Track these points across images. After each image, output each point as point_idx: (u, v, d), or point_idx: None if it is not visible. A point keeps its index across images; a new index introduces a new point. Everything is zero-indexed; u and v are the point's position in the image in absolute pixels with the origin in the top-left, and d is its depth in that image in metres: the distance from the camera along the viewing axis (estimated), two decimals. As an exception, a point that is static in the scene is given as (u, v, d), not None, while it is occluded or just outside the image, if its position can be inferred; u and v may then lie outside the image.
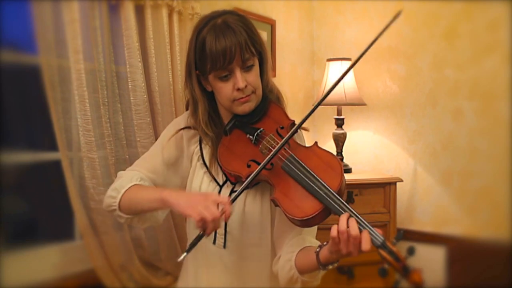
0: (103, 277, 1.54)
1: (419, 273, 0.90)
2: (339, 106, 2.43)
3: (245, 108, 1.15)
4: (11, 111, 1.43)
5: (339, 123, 2.44)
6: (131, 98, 1.58)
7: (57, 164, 1.43)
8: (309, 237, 1.18)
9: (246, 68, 1.12)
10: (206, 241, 1.19)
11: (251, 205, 1.17)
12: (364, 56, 1.06)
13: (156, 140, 1.62)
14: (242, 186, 1.05)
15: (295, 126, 1.10)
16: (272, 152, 1.07)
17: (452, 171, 2.42)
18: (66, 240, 1.61)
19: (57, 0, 1.38)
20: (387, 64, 2.57)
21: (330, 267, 1.04)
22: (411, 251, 0.93)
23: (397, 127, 2.58)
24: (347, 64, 2.40)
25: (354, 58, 2.55)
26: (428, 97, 2.48)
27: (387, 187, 2.29)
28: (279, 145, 1.07)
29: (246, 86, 1.11)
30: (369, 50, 1.07)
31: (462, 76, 2.37)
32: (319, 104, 1.12)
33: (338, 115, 2.44)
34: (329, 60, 2.45)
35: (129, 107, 1.59)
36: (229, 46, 1.07)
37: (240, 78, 1.10)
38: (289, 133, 1.09)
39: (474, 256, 2.13)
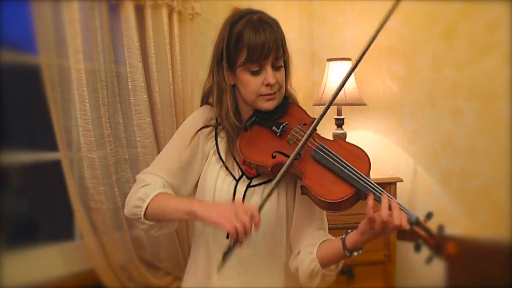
0: (103, 277, 1.54)
1: (453, 244, 0.93)
2: (339, 106, 2.43)
3: (270, 105, 1.17)
4: (11, 111, 1.44)
5: (339, 123, 2.44)
6: (131, 98, 1.58)
7: (57, 164, 1.44)
8: (326, 232, 1.20)
9: (276, 68, 1.16)
10: (220, 237, 1.18)
11: (268, 201, 1.15)
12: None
13: (156, 140, 1.64)
14: (274, 181, 1.07)
15: (320, 115, 1.12)
16: (305, 136, 1.09)
17: (451, 171, 2.41)
18: (66, 240, 1.61)
19: (57, 0, 1.38)
20: (387, 64, 2.57)
21: (355, 253, 1.06)
22: (441, 229, 0.96)
23: (397, 127, 2.58)
24: (347, 64, 2.40)
25: (354, 58, 2.56)
26: (427, 97, 2.48)
27: (387, 187, 2.28)
28: (310, 128, 1.10)
29: (275, 83, 1.15)
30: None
31: (462, 76, 2.37)
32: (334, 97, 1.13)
33: (338, 115, 2.44)
34: (329, 60, 2.45)
35: (129, 107, 1.59)
36: (268, 41, 1.11)
37: (271, 74, 1.14)
38: (317, 119, 1.12)
39: (474, 256, 2.13)
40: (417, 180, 2.52)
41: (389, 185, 2.29)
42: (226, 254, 1.04)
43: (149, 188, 1.16)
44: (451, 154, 2.41)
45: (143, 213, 1.14)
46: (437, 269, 2.30)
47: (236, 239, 1.01)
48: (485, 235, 2.27)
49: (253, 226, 1.01)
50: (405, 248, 2.42)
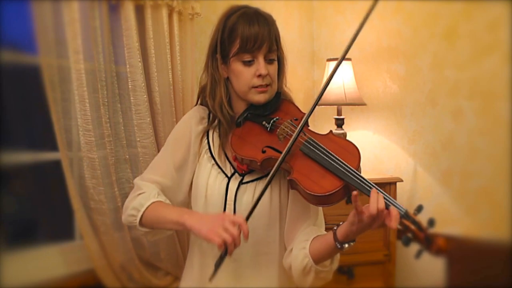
0: (103, 277, 1.54)
1: (443, 238, 0.93)
2: (339, 106, 2.42)
3: (261, 98, 1.18)
4: (11, 111, 1.44)
5: (339, 123, 2.44)
6: (131, 98, 1.58)
7: (57, 164, 1.44)
8: (321, 229, 1.20)
9: (269, 61, 1.17)
10: None
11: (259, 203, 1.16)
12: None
13: (156, 140, 1.64)
14: (268, 179, 1.07)
15: (311, 107, 1.12)
16: (296, 131, 1.09)
17: (452, 171, 2.41)
18: (66, 240, 1.61)
19: (57, 0, 1.38)
20: (387, 64, 2.57)
21: (346, 246, 1.06)
22: (431, 223, 0.96)
23: (397, 127, 2.58)
24: (347, 64, 2.40)
25: (354, 58, 2.57)
26: (428, 97, 2.48)
27: (387, 187, 2.29)
28: (301, 123, 1.09)
29: (266, 75, 1.15)
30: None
31: (462, 76, 2.37)
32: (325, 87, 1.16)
33: (338, 115, 2.44)
34: (329, 60, 2.45)
35: (129, 107, 1.59)
36: (262, 32, 1.13)
37: (263, 65, 1.15)
38: (308, 111, 1.12)
39: (474, 256, 2.13)
40: (417, 180, 2.52)
41: (389, 185, 2.29)
42: (218, 265, 1.05)
43: (143, 197, 1.19)
44: (452, 154, 2.41)
45: (138, 222, 1.18)
46: (437, 269, 2.30)
47: (225, 250, 1.02)
48: (485, 235, 2.27)
49: (242, 236, 1.02)
50: (405, 248, 2.41)
